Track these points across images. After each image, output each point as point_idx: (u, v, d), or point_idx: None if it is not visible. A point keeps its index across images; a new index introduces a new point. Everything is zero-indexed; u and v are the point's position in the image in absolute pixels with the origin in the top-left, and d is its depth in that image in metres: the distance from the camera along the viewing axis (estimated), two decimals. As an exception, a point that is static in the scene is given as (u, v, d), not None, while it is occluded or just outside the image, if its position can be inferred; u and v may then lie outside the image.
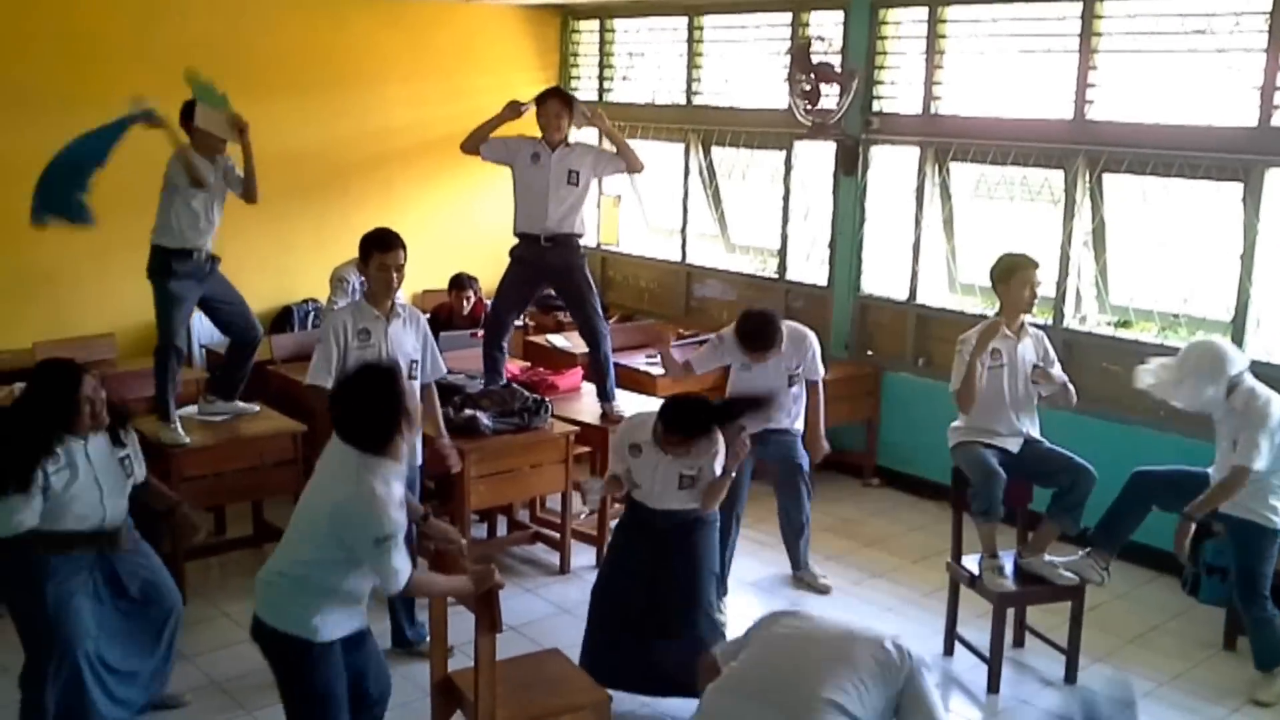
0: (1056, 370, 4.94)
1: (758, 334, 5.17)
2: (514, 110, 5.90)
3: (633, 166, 6.03)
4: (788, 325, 5.33)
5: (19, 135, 6.46)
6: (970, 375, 4.78)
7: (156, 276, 5.36)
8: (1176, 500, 4.73)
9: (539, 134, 5.87)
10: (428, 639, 4.54)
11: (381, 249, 4.60)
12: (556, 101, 5.83)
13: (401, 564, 3.28)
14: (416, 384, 4.72)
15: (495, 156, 5.94)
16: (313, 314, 7.54)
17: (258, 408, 5.78)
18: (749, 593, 5.52)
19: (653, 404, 6.17)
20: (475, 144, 5.89)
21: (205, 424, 5.50)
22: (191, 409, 5.62)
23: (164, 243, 5.31)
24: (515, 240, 5.99)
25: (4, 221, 6.55)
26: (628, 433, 4.39)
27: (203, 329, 6.82)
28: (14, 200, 6.56)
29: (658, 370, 6.75)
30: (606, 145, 6.25)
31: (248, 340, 5.70)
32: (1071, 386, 4.95)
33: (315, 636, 3.32)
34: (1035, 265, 4.85)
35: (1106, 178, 6.10)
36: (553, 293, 6.63)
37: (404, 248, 4.67)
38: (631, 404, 6.00)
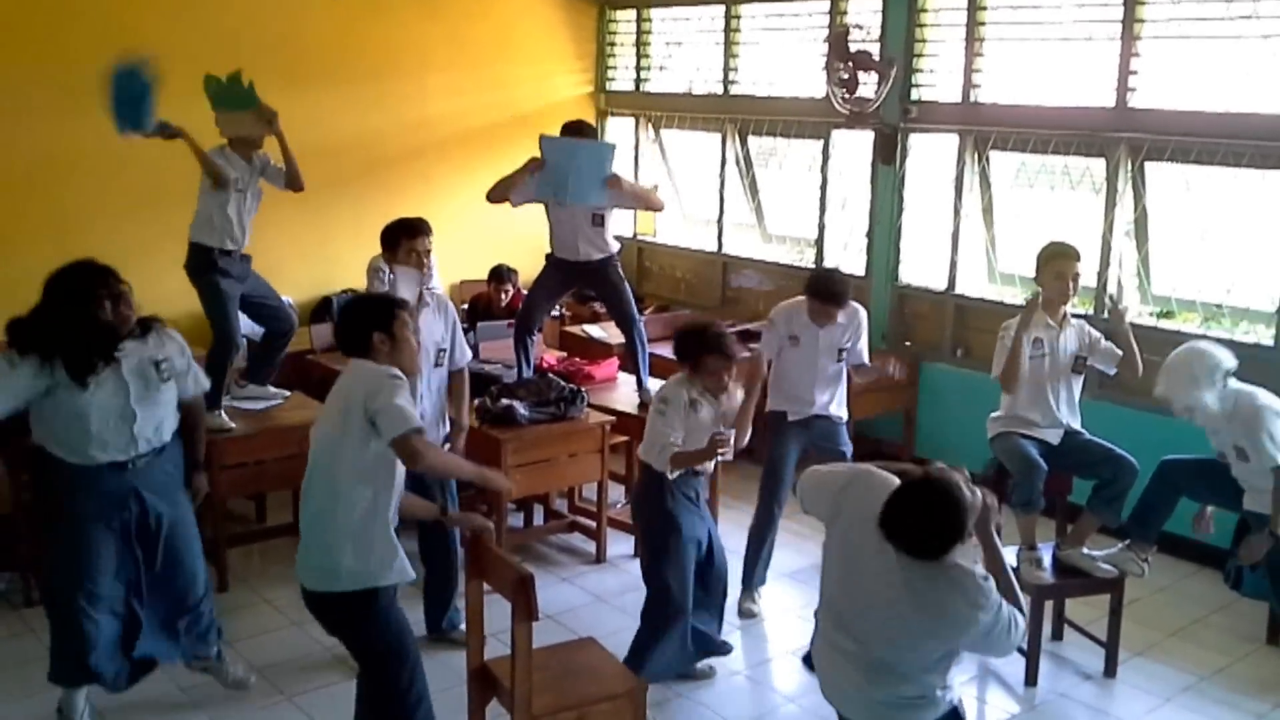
0: (1106, 345, 4.87)
1: (829, 285, 5.04)
2: (535, 166, 5.78)
3: (652, 208, 6.27)
4: None
5: (63, 132, 6.56)
6: (1015, 350, 4.71)
7: (203, 275, 5.39)
8: (1204, 488, 4.69)
9: None
10: (461, 626, 4.59)
11: (410, 234, 4.65)
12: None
13: (411, 407, 3.36)
14: (444, 370, 4.76)
15: (525, 199, 5.89)
16: (352, 304, 7.59)
17: (287, 393, 5.85)
18: (785, 583, 5.52)
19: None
20: (501, 197, 5.85)
21: (245, 413, 5.56)
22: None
23: (204, 240, 5.36)
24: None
25: (51, 213, 6.68)
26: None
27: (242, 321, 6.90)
28: (59, 193, 6.70)
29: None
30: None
31: (283, 331, 5.77)
32: (1136, 349, 4.85)
33: (376, 582, 3.41)
34: (1073, 257, 4.77)
35: (1149, 166, 6.02)
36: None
37: (430, 233, 4.69)
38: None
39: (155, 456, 4.04)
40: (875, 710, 3.01)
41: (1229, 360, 4.60)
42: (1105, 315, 4.90)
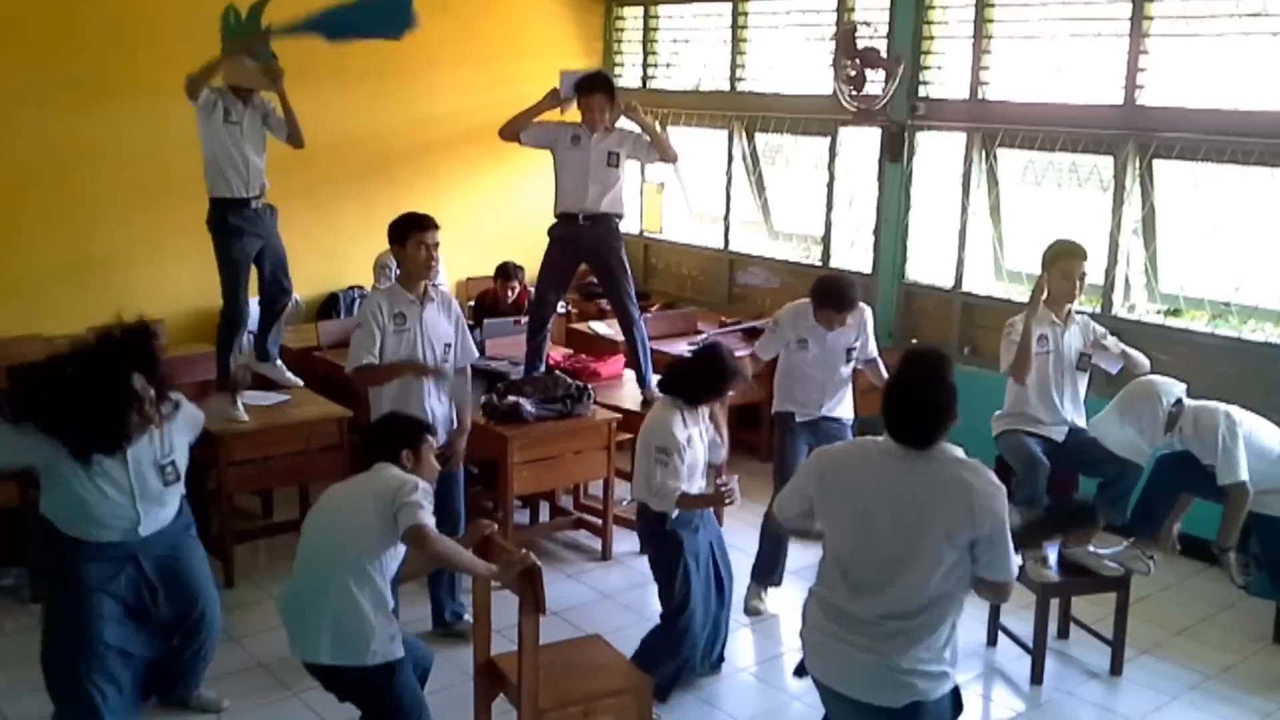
0: (1111, 341, 4.88)
1: (836, 292, 5.00)
2: (553, 100, 5.94)
3: (666, 157, 6.13)
4: None
5: (75, 123, 6.58)
6: (1025, 339, 4.69)
7: (218, 232, 5.41)
8: (1200, 483, 4.70)
9: (579, 119, 5.90)
10: (465, 618, 4.59)
11: (419, 228, 4.64)
12: (601, 96, 5.87)
13: (427, 506, 3.52)
14: (450, 368, 4.76)
15: (535, 141, 5.98)
16: (358, 300, 7.61)
17: (300, 381, 5.87)
18: (793, 580, 5.51)
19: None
20: (515, 131, 5.93)
21: (253, 408, 5.56)
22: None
23: (215, 192, 5.38)
24: (554, 221, 6.05)
25: (61, 208, 6.70)
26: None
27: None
28: (67, 186, 6.71)
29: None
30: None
31: (276, 299, 5.76)
32: (1138, 354, 4.86)
33: (396, 655, 3.53)
34: (1080, 256, 4.77)
35: (1157, 164, 6.01)
36: (594, 279, 6.65)
37: (437, 229, 4.71)
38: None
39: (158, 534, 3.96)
40: (888, 680, 3.01)
41: (1177, 389, 4.66)
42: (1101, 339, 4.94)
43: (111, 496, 3.76)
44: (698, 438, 4.33)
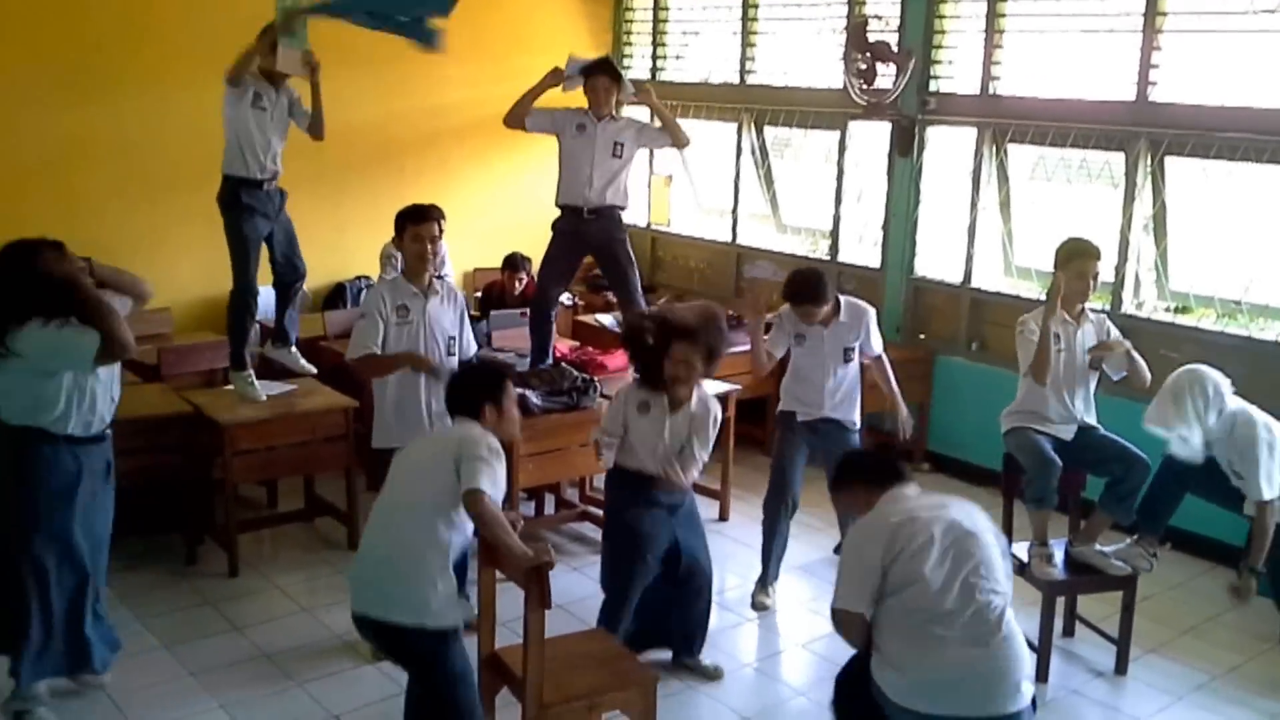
0: (1116, 335, 4.84)
1: (802, 285, 4.95)
2: (555, 77, 5.86)
3: (678, 142, 6.08)
4: (846, 299, 5.18)
5: (76, 115, 6.57)
6: (1044, 342, 4.65)
7: (229, 210, 5.40)
8: (1207, 486, 4.66)
9: (585, 106, 5.88)
10: (473, 611, 4.59)
11: (415, 220, 4.64)
12: (605, 78, 5.81)
13: (498, 475, 3.49)
14: (455, 360, 4.75)
15: (540, 127, 5.92)
16: (364, 291, 7.59)
17: (313, 370, 5.86)
18: (796, 576, 5.50)
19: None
20: (519, 117, 5.87)
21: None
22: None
23: (230, 170, 5.37)
24: (557, 213, 6.02)
25: (66, 199, 6.69)
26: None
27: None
28: (72, 179, 6.71)
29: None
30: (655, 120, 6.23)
31: (289, 280, 5.73)
32: (1141, 362, 4.82)
33: (452, 622, 3.52)
34: (1094, 255, 4.73)
35: (1169, 161, 5.98)
36: (599, 271, 6.63)
37: (439, 220, 4.68)
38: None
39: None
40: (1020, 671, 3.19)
41: (1222, 388, 4.58)
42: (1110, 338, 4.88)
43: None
44: (650, 421, 4.32)
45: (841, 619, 3.28)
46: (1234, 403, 4.60)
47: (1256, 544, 4.57)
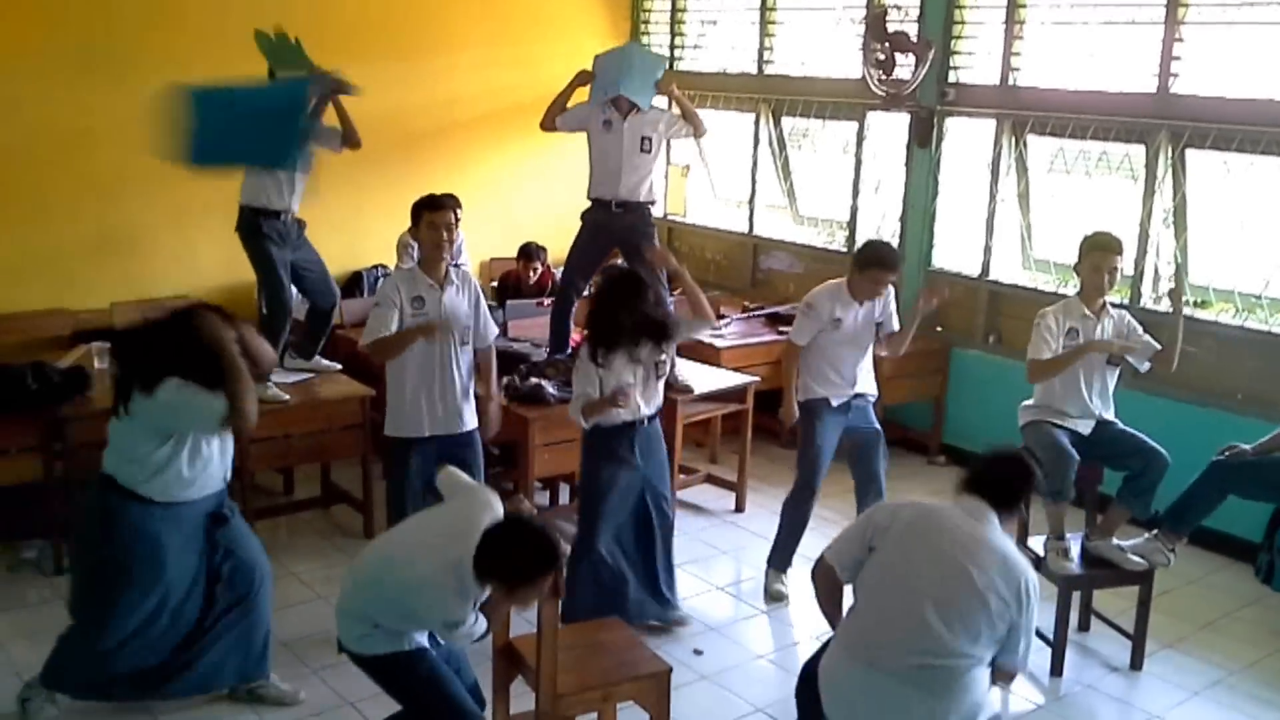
0: (1144, 337, 4.79)
1: (883, 251, 5.09)
2: (584, 78, 5.98)
3: (698, 131, 6.16)
4: None
5: (102, 99, 6.58)
6: (1070, 360, 4.64)
7: (251, 239, 5.43)
8: (1259, 487, 4.60)
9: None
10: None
11: (431, 209, 4.66)
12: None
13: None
14: (469, 349, 4.76)
15: (570, 126, 6.06)
16: (381, 279, 7.60)
17: (338, 366, 5.87)
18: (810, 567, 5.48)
19: (718, 375, 6.18)
20: (552, 120, 6.03)
21: (281, 386, 5.57)
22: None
23: (251, 202, 5.38)
24: (588, 204, 6.08)
25: (88, 184, 6.71)
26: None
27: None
28: (97, 163, 6.72)
29: (722, 342, 6.72)
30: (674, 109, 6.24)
31: (327, 304, 5.81)
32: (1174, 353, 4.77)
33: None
34: (1113, 250, 4.69)
35: (1189, 154, 5.93)
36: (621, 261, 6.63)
37: (455, 209, 4.69)
38: (694, 375, 6.00)
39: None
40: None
41: None
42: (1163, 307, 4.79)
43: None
44: (619, 365, 4.50)
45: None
46: None
47: None
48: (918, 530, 3.29)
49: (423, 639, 3.53)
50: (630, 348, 4.49)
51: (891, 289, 5.19)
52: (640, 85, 5.89)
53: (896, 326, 5.21)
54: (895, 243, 7.21)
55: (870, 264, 4.98)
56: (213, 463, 3.92)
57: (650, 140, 5.91)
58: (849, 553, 3.42)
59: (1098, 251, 4.68)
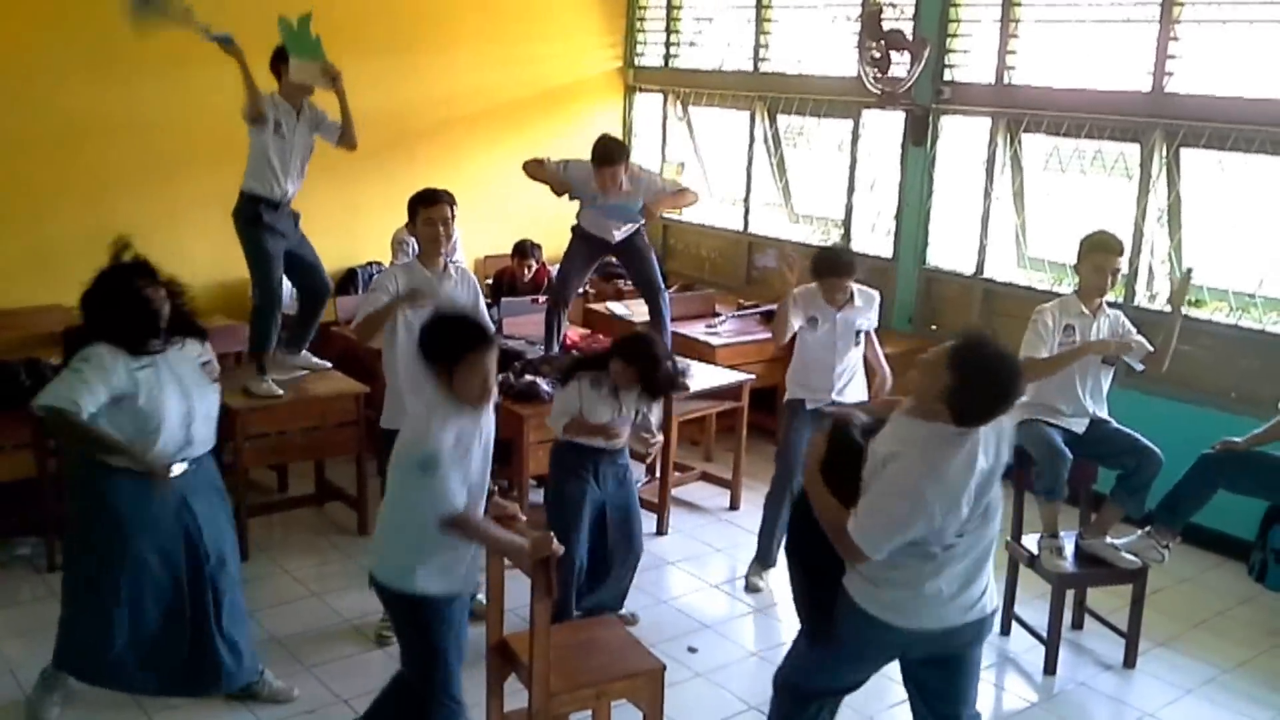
0: (1138, 338, 4.79)
1: (833, 259, 5.05)
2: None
3: (689, 206, 6.39)
4: (856, 285, 5.20)
5: (97, 94, 6.56)
6: (1066, 361, 4.64)
7: (248, 227, 5.39)
8: (1249, 481, 4.61)
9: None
10: (480, 597, 4.60)
11: (427, 204, 4.65)
12: (614, 167, 5.80)
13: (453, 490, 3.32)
14: None
15: (565, 191, 6.08)
16: (376, 276, 7.59)
17: (329, 365, 5.85)
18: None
19: (713, 372, 6.18)
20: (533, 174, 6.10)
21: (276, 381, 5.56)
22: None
23: (249, 188, 5.36)
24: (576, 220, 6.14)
25: (83, 179, 6.69)
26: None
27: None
28: (92, 157, 6.71)
29: (717, 340, 6.73)
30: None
31: (319, 296, 5.77)
32: (1168, 351, 4.78)
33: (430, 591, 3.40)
34: (1115, 251, 4.67)
35: (1184, 152, 5.94)
36: (614, 260, 6.64)
37: (451, 204, 4.69)
38: (691, 371, 6.00)
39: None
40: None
41: None
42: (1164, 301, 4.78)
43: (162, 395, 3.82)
44: (605, 398, 4.49)
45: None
46: None
47: None
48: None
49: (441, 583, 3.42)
50: (624, 398, 4.49)
51: (877, 296, 5.22)
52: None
53: (873, 326, 5.24)
54: (890, 240, 7.22)
55: (825, 272, 5.00)
56: (168, 432, 3.77)
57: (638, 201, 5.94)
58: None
59: (1100, 252, 4.68)
